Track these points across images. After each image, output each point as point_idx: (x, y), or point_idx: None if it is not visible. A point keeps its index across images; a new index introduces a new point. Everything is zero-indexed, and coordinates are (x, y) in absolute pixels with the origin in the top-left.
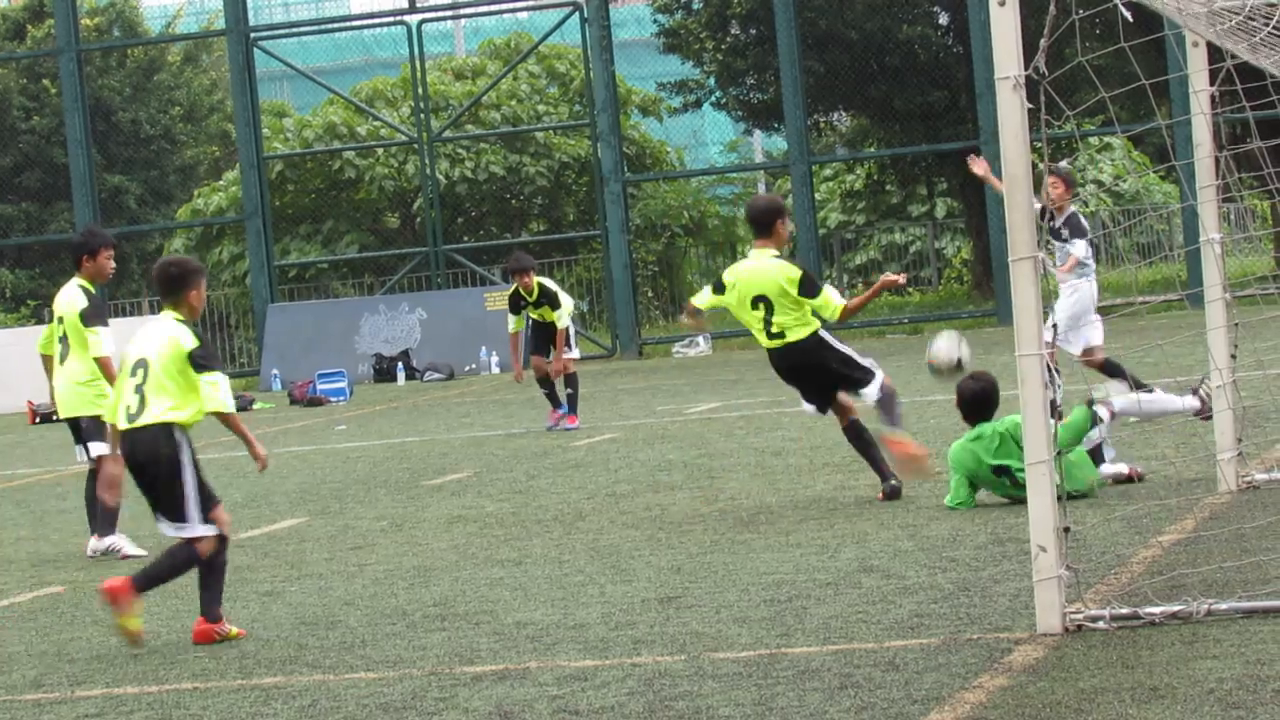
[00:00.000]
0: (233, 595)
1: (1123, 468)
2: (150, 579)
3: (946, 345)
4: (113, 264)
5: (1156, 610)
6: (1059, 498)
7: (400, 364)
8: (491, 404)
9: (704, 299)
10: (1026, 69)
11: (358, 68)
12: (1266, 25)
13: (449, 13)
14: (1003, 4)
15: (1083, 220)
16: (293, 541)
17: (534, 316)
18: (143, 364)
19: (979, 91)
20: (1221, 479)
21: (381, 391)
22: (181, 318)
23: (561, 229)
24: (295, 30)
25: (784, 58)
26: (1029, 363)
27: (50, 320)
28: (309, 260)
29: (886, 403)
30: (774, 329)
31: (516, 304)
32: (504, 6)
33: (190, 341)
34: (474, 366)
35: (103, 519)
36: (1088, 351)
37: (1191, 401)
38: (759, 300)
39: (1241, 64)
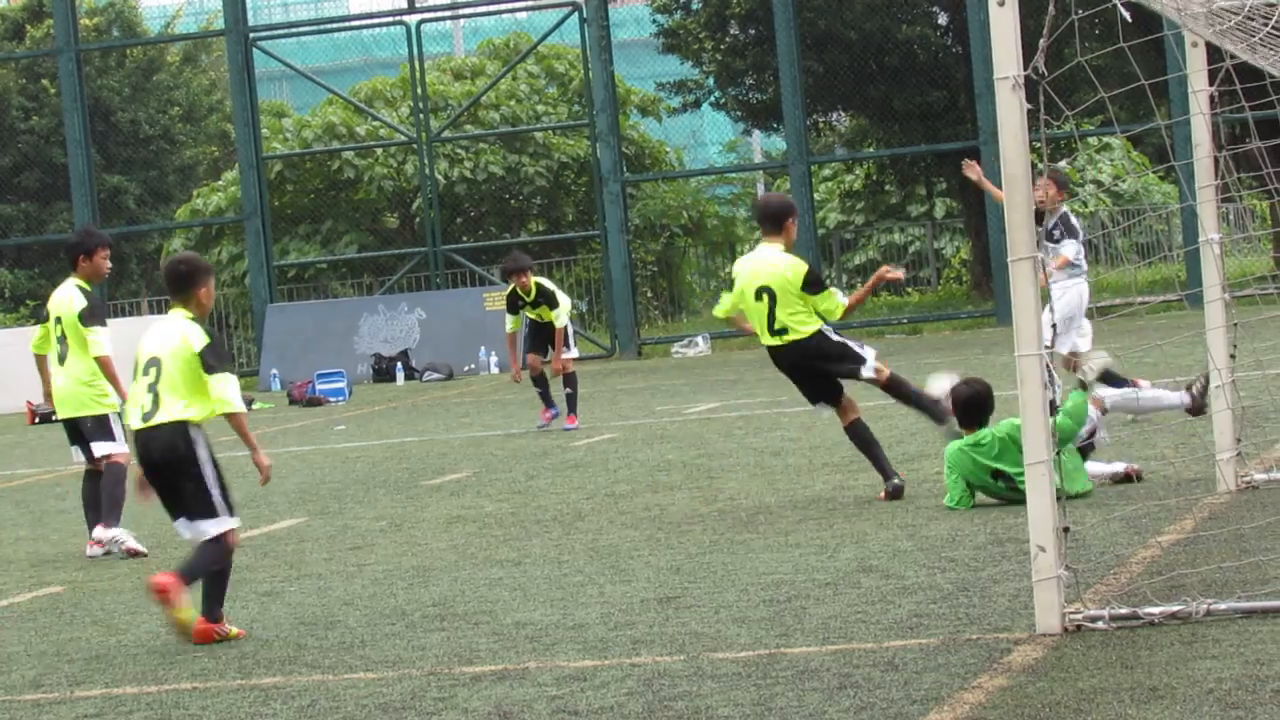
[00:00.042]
0: (232, 595)
1: (1118, 467)
2: (193, 573)
3: (939, 384)
4: (109, 264)
5: (1156, 610)
6: (1058, 498)
7: (399, 364)
8: (490, 404)
9: (723, 305)
10: (1026, 69)
11: (357, 68)
12: (1266, 25)
13: (448, 13)
14: (1002, 4)
15: (1075, 221)
16: (292, 541)
17: (531, 316)
18: (155, 363)
19: (978, 92)
20: (1221, 479)
21: (380, 391)
22: (192, 315)
23: (560, 229)
24: (294, 30)
25: (783, 58)
26: (1028, 363)
27: (45, 320)
28: (308, 260)
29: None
30: (777, 325)
31: (514, 304)
32: (503, 7)
33: (200, 341)
34: (473, 366)
35: (110, 509)
36: (1072, 354)
37: (1184, 398)
38: (763, 291)
39: (1240, 64)
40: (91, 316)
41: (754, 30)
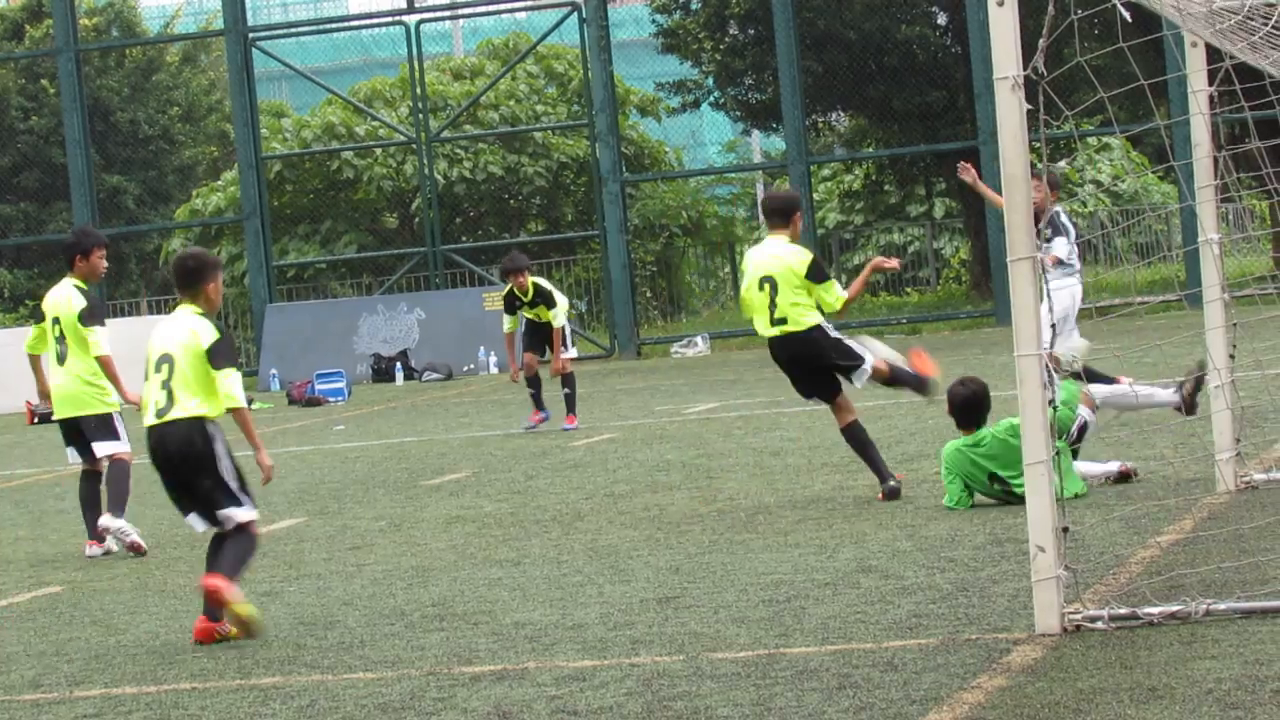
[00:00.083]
0: None
1: (1113, 466)
2: (233, 567)
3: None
4: (105, 264)
5: (1155, 610)
6: (1057, 498)
7: (398, 364)
8: (490, 404)
9: (742, 300)
10: (1025, 69)
11: (356, 68)
12: (1265, 25)
13: (447, 13)
14: (1001, 4)
15: (1064, 219)
16: (291, 542)
17: (529, 316)
18: (167, 359)
19: (977, 92)
20: (1220, 479)
21: (380, 391)
22: (200, 310)
23: (560, 229)
24: (293, 30)
25: (782, 58)
26: (1027, 363)
27: (40, 320)
28: (307, 260)
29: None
30: (777, 314)
31: (512, 304)
32: (502, 7)
33: (209, 337)
34: (472, 367)
35: (115, 503)
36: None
37: (1175, 396)
38: (765, 281)
39: (1240, 64)
40: (91, 317)
41: (753, 30)
